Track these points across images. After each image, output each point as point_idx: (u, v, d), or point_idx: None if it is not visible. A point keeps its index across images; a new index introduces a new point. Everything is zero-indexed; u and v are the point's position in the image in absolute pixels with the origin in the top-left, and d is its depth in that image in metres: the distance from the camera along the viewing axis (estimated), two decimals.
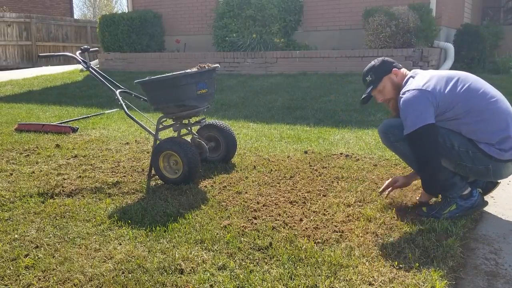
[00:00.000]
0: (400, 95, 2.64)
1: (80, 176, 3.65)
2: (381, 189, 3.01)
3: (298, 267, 2.16)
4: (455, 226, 2.53)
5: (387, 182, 2.98)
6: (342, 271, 2.12)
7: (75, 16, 29.10)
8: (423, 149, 2.55)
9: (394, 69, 2.82)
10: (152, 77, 3.44)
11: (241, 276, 2.09)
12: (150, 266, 2.20)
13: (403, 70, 2.86)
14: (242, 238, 2.46)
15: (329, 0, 10.27)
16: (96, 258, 2.31)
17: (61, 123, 5.67)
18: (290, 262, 2.20)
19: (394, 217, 2.70)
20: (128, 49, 11.78)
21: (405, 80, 2.76)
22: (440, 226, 2.53)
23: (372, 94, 2.83)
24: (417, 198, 2.94)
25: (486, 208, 2.86)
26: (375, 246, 2.36)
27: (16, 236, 2.58)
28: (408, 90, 2.60)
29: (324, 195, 3.11)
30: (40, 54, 4.20)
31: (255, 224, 2.65)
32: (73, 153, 4.35)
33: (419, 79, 2.65)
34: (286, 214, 2.79)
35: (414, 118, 2.52)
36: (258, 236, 2.48)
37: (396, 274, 2.08)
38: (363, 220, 2.67)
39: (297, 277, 2.07)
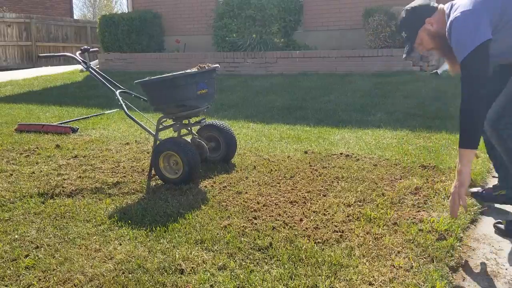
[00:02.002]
0: (448, 27, 2.44)
1: (80, 177, 3.65)
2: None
3: (298, 267, 2.16)
4: (455, 226, 2.53)
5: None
6: (342, 271, 2.12)
7: (75, 17, 29.11)
8: (476, 77, 2.31)
9: (427, 19, 2.56)
10: (152, 78, 3.44)
11: (241, 276, 2.09)
12: (151, 266, 2.20)
13: (439, 10, 2.57)
14: (242, 238, 2.46)
15: (329, 0, 10.27)
16: (96, 258, 2.31)
17: (61, 123, 5.67)
18: (290, 262, 2.20)
19: (394, 217, 2.70)
20: (128, 49, 11.78)
21: (446, 15, 2.52)
22: (441, 226, 2.53)
23: (413, 48, 2.68)
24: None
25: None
26: (375, 246, 2.35)
27: (16, 236, 2.58)
28: (453, 17, 2.39)
29: (324, 195, 3.11)
30: (40, 55, 4.20)
31: (255, 224, 2.65)
32: (73, 153, 4.35)
33: (462, 2, 2.43)
34: (286, 214, 2.79)
35: (467, 38, 2.32)
36: (258, 236, 2.48)
37: (396, 274, 2.08)
38: (363, 220, 2.66)
39: (297, 277, 2.07)
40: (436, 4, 2.62)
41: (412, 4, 2.64)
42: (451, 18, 2.43)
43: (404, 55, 2.74)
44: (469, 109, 2.36)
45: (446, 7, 2.56)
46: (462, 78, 2.39)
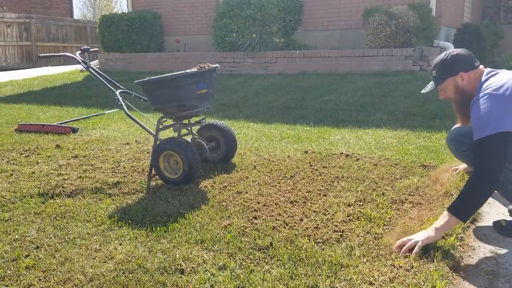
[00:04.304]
0: (478, 96, 2.38)
1: (80, 177, 3.65)
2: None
3: (298, 267, 2.16)
4: (456, 226, 2.52)
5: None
6: (343, 270, 2.12)
7: (75, 17, 29.11)
8: (489, 158, 2.28)
9: (461, 72, 2.49)
10: (152, 78, 3.44)
11: (241, 276, 2.09)
12: (151, 266, 2.20)
13: (478, 70, 2.50)
14: (243, 238, 2.46)
15: (329, 0, 10.27)
16: (97, 258, 2.31)
17: (61, 123, 5.67)
18: (291, 262, 2.20)
19: (394, 217, 2.70)
20: (128, 49, 11.78)
21: (482, 80, 2.46)
22: None
23: (436, 88, 2.65)
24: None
25: (486, 208, 2.86)
26: (376, 245, 2.35)
27: (16, 236, 2.58)
28: (487, 94, 2.34)
29: (324, 195, 3.10)
30: (40, 55, 4.20)
31: (256, 224, 2.65)
32: (73, 153, 4.35)
33: (501, 80, 2.38)
34: (286, 214, 2.79)
35: (491, 122, 2.27)
36: (258, 236, 2.48)
37: (396, 273, 2.08)
38: (363, 219, 2.66)
39: (298, 277, 2.07)
40: (478, 63, 2.52)
41: (458, 51, 2.55)
42: (482, 91, 2.38)
43: (424, 91, 2.71)
44: (475, 183, 2.32)
45: (486, 71, 2.49)
46: (476, 154, 2.36)
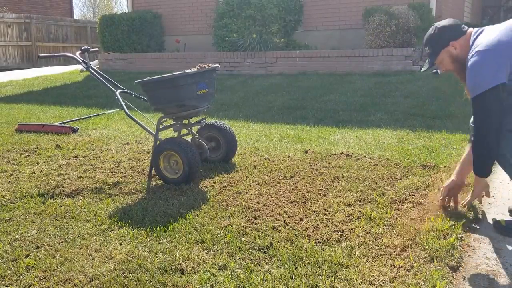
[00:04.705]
0: (468, 58, 2.45)
1: (80, 177, 3.65)
2: (440, 207, 2.79)
3: (298, 267, 2.16)
4: (456, 226, 2.53)
5: (441, 197, 2.80)
6: (343, 270, 2.12)
7: (75, 17, 29.10)
8: (488, 113, 2.36)
9: (451, 42, 2.56)
10: (152, 78, 3.44)
11: (241, 276, 2.09)
12: (151, 266, 2.20)
13: (467, 34, 2.56)
14: (243, 238, 2.46)
15: (329, 0, 10.27)
16: (97, 258, 2.31)
17: (61, 123, 5.67)
18: (291, 262, 2.20)
19: (394, 217, 2.70)
20: (128, 49, 11.79)
21: (471, 42, 2.51)
22: (441, 226, 2.53)
23: (434, 64, 2.70)
24: (465, 201, 2.81)
25: (487, 208, 2.86)
26: (376, 245, 2.35)
27: (16, 236, 2.58)
28: (475, 52, 2.40)
29: (324, 195, 3.10)
30: (40, 55, 4.20)
31: (256, 224, 2.65)
32: (73, 153, 4.35)
33: (486, 36, 2.44)
34: (286, 214, 2.79)
35: (483, 79, 2.35)
36: (258, 236, 2.48)
37: (396, 273, 2.08)
38: (363, 219, 2.66)
39: (298, 277, 2.07)
40: (465, 28, 2.59)
41: (442, 23, 2.63)
42: (471, 52, 2.44)
43: (423, 68, 2.76)
44: (479, 141, 2.45)
45: (473, 32, 2.54)
46: (474, 114, 2.46)
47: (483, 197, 2.77)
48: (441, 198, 2.81)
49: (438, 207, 2.80)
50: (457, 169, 2.82)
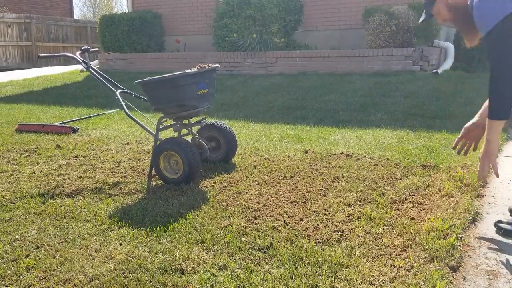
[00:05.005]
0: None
1: (80, 177, 3.65)
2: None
3: (298, 267, 2.16)
4: (456, 226, 2.53)
5: (459, 136, 2.67)
6: (343, 270, 2.12)
7: (75, 17, 29.11)
8: (504, 45, 2.23)
9: None
10: (152, 78, 3.44)
11: (241, 276, 2.09)
12: (151, 266, 2.20)
13: None
14: (243, 238, 2.46)
15: (329, 0, 10.27)
16: (97, 258, 2.31)
17: (61, 123, 5.68)
18: (291, 262, 2.20)
19: (394, 217, 2.70)
20: (128, 49, 11.79)
21: None
22: (441, 225, 2.53)
23: (431, 15, 2.68)
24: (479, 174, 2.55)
25: (487, 208, 2.86)
26: (376, 245, 2.35)
27: (16, 236, 2.58)
28: None
29: (324, 195, 3.11)
30: (40, 55, 4.20)
31: (256, 224, 2.65)
32: (73, 153, 4.35)
33: None
34: (286, 214, 2.79)
35: (493, 9, 2.25)
36: (258, 236, 2.48)
37: (396, 273, 2.08)
38: (363, 219, 2.66)
39: (298, 277, 2.07)
40: None
41: None
42: None
43: (420, 20, 2.78)
44: (497, 79, 2.29)
45: None
46: (489, 48, 2.33)
47: (490, 172, 2.55)
48: (458, 137, 2.69)
49: (454, 147, 2.71)
50: (479, 111, 2.65)
